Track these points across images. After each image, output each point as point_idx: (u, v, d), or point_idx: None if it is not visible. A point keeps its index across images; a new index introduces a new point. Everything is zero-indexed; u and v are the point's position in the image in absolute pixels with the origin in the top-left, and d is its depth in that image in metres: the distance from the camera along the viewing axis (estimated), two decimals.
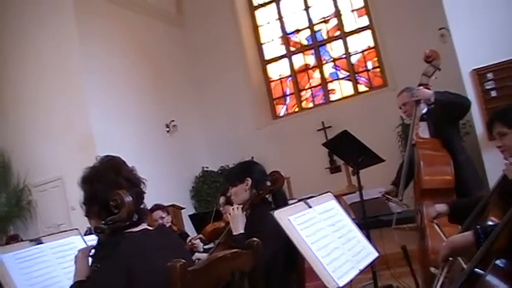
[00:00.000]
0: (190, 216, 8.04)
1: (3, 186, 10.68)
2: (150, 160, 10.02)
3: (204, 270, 1.77)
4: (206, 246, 4.38)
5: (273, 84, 12.46)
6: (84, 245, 3.13)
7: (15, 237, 7.18)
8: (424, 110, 4.51)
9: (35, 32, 10.47)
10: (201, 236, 3.88)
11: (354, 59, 11.58)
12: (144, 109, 10.75)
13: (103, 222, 2.04)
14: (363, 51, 11.48)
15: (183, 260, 1.69)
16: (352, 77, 11.54)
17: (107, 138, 9.64)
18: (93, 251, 2.14)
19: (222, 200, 5.12)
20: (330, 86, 11.83)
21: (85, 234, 3.34)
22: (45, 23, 10.33)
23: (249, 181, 3.28)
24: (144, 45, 11.20)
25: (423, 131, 4.42)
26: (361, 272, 2.47)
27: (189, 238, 4.18)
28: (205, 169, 11.65)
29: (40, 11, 10.32)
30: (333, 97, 11.77)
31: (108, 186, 2.08)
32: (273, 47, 12.45)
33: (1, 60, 11.16)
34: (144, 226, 2.15)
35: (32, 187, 10.66)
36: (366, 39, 11.38)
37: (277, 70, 12.40)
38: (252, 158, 10.68)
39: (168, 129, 11.29)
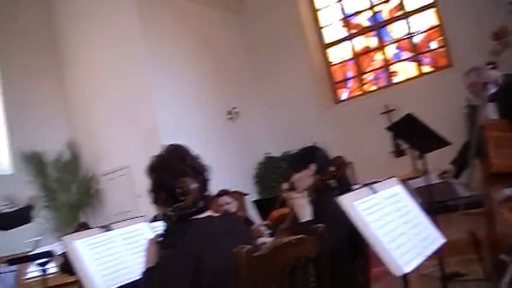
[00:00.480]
0: (254, 202, 8.08)
1: (73, 176, 11.01)
2: (213, 147, 10.13)
3: (270, 256, 1.78)
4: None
5: (334, 68, 12.36)
6: (151, 232, 3.23)
7: (84, 225, 7.36)
8: (493, 90, 4.36)
9: (99, 25, 10.73)
10: (267, 222, 3.89)
11: (416, 39, 11.35)
12: (206, 97, 10.86)
13: (170, 209, 2.09)
14: (426, 31, 11.23)
15: (249, 246, 1.71)
16: (416, 58, 11.32)
17: (171, 127, 9.81)
18: (161, 238, 2.20)
19: (285, 186, 5.10)
20: (393, 67, 11.66)
21: (150, 222, 3.41)
22: (108, 17, 10.57)
23: (313, 167, 3.26)
24: (204, 34, 11.30)
25: (492, 112, 4.28)
26: (428, 258, 2.44)
27: (255, 225, 4.20)
28: (268, 155, 11.68)
29: (103, 5, 10.53)
30: (396, 79, 11.59)
31: (174, 174, 2.13)
32: (333, 30, 12.35)
33: (68, 54, 11.49)
34: (209, 213, 2.19)
35: (100, 176, 10.97)
36: (429, 18, 11.12)
37: (338, 53, 12.30)
38: (315, 143, 10.51)
39: (230, 116, 11.37)
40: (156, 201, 2.24)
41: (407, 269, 2.18)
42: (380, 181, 2.68)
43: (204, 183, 2.20)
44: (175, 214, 2.07)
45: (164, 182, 2.17)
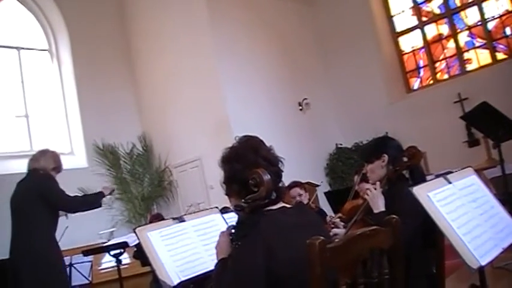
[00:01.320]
0: (325, 193, 8.04)
1: (146, 168, 11.26)
2: (284, 138, 10.13)
3: (343, 248, 1.76)
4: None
5: (405, 56, 12.14)
6: (223, 222, 3.26)
7: (158, 216, 7.51)
8: None
9: (168, 18, 10.90)
10: (340, 214, 3.86)
11: (490, 26, 10.98)
12: (276, 88, 10.86)
13: (243, 200, 2.10)
14: (500, 17, 10.85)
15: (322, 237, 1.70)
16: (490, 45, 10.96)
17: (242, 119, 9.86)
18: (233, 230, 2.22)
19: (356, 177, 5.06)
20: (466, 55, 11.32)
21: (223, 212, 3.44)
22: (177, 9, 10.68)
23: (386, 157, 3.21)
24: (273, 25, 11.29)
25: None
26: (504, 250, 2.37)
27: (329, 217, 4.18)
28: (339, 146, 11.60)
29: None
30: (469, 67, 11.26)
31: (247, 165, 2.13)
32: (404, 19, 12.11)
33: (140, 49, 11.72)
34: (282, 204, 2.19)
35: (172, 168, 11.17)
36: (503, 4, 10.74)
37: (410, 42, 12.05)
38: (386, 133, 10.45)
39: (300, 107, 11.35)
40: (229, 192, 2.25)
41: (484, 261, 2.13)
42: (454, 171, 2.63)
43: (277, 174, 2.19)
44: (248, 205, 2.08)
45: (237, 173, 2.17)
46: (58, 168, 5.13)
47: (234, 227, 2.22)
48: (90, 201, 5.20)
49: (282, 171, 2.25)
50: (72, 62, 11.22)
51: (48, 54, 11.53)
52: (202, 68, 10.39)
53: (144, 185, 11.18)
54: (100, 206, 5.27)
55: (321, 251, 1.67)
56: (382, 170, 3.21)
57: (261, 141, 2.28)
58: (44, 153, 5.10)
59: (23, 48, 11.23)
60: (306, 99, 11.32)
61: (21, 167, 9.77)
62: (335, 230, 3.55)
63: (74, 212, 5.06)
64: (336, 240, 3.28)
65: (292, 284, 1.93)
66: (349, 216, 3.60)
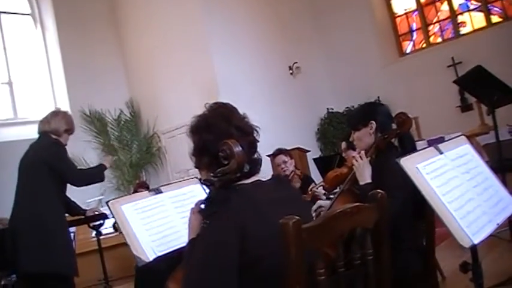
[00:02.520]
0: (314, 159, 7.90)
1: (134, 134, 11.14)
2: (275, 103, 10.00)
3: (321, 228, 1.59)
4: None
5: (398, 19, 11.90)
6: (203, 194, 3.09)
7: (143, 185, 7.38)
8: None
9: None
10: (323, 184, 3.70)
11: None
12: (266, 52, 10.68)
13: (212, 174, 1.92)
14: None
15: (297, 217, 1.52)
16: (484, 8, 10.73)
17: (231, 83, 9.70)
18: (202, 206, 2.04)
19: (344, 145, 4.91)
20: (460, 18, 11.10)
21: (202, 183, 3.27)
22: None
23: (373, 124, 3.03)
24: None
25: None
26: (499, 226, 2.20)
27: (311, 187, 4.03)
28: (330, 110, 11.46)
29: None
30: (463, 30, 11.04)
31: (218, 136, 1.94)
32: None
33: (126, 12, 11.48)
34: (256, 177, 2.00)
35: (161, 134, 11.03)
36: None
37: (402, 4, 11.81)
38: (378, 97, 10.36)
39: (291, 71, 11.17)
40: (199, 165, 2.07)
41: (477, 239, 1.96)
42: (446, 138, 2.46)
43: (251, 145, 2.01)
44: (219, 179, 1.89)
45: (207, 144, 1.99)
46: (70, 130, 4.96)
47: (203, 202, 2.03)
48: (94, 175, 5.05)
49: (258, 141, 2.06)
50: (56, 26, 10.96)
51: (31, 19, 11.22)
52: (191, 32, 10.18)
53: (132, 152, 11.05)
54: (103, 180, 5.13)
55: (296, 231, 1.50)
56: (369, 138, 3.05)
57: (234, 108, 2.09)
58: (55, 114, 4.90)
59: (4, 13, 10.91)
60: (296, 63, 11.14)
61: (6, 135, 9.74)
62: (320, 202, 3.39)
63: (79, 186, 4.90)
64: (321, 211, 3.15)
65: (268, 265, 1.76)
66: (332, 186, 3.46)
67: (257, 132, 2.07)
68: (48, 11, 11.07)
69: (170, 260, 2.82)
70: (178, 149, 10.64)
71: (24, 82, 10.85)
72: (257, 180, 1.98)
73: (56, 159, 4.66)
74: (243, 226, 1.76)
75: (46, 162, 4.62)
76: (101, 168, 5.08)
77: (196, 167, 2.10)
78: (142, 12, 11.10)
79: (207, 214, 1.88)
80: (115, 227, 6.15)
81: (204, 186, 3.16)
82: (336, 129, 11.10)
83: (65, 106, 10.72)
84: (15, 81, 10.70)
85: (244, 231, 1.75)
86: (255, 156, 2.03)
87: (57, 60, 10.96)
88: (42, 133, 4.84)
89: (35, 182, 4.63)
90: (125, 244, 6.80)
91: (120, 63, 11.64)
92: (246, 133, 2.01)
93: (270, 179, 2.06)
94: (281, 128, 9.47)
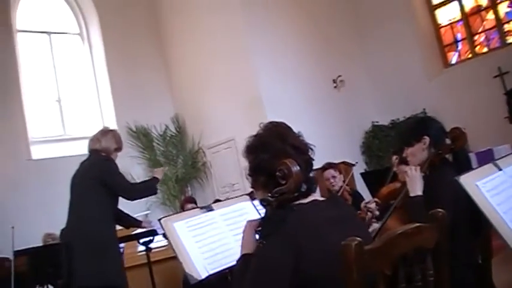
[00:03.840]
0: (362, 174, 7.81)
1: (180, 149, 11.21)
2: (319, 117, 9.97)
3: (383, 249, 1.57)
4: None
5: (442, 30, 11.73)
6: (254, 210, 3.09)
7: (190, 199, 7.41)
8: None
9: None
10: (376, 199, 3.65)
11: None
12: (310, 66, 10.65)
13: (269, 194, 1.91)
14: None
15: (358, 239, 1.51)
16: None
17: (275, 97, 9.72)
18: (259, 225, 2.03)
19: (394, 159, 4.84)
20: (506, 27, 10.89)
21: (254, 199, 3.27)
22: None
23: (427, 139, 2.98)
24: (306, 1, 11.04)
25: None
26: None
27: (364, 203, 3.97)
28: (375, 123, 11.34)
29: None
30: (510, 39, 10.82)
31: (275, 155, 1.94)
32: None
33: (171, 29, 11.66)
34: (313, 197, 1.98)
35: (206, 149, 11.08)
36: None
37: (447, 14, 11.63)
38: (424, 109, 10.23)
39: (335, 84, 11.11)
40: (255, 185, 2.06)
41: None
42: (494, 150, 2.41)
43: (307, 164, 2.01)
44: (276, 200, 1.88)
45: (263, 164, 1.98)
46: (119, 148, 5.13)
47: (260, 221, 2.03)
48: (148, 188, 5.15)
49: (313, 160, 2.06)
50: (103, 45, 11.16)
51: (79, 38, 11.46)
52: (234, 47, 10.24)
53: (177, 167, 11.12)
54: (156, 193, 5.24)
55: (358, 253, 1.49)
56: (423, 154, 3.00)
57: (288, 127, 2.09)
58: (105, 133, 5.03)
59: (54, 33, 11.16)
60: (340, 76, 11.07)
61: (55, 151, 9.93)
62: (374, 226, 3.34)
63: (133, 199, 4.98)
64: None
65: (323, 286, 1.75)
66: (386, 202, 3.41)
67: (312, 150, 2.06)
68: (95, 30, 11.29)
69: (220, 275, 2.84)
70: (223, 163, 10.69)
71: (73, 100, 11.05)
72: (314, 200, 1.97)
73: (109, 174, 4.76)
74: (298, 247, 1.75)
75: (99, 178, 4.71)
76: (153, 181, 5.14)
77: (252, 187, 2.10)
78: (186, 30, 11.21)
79: (264, 234, 1.87)
80: (166, 235, 6.18)
81: (255, 204, 3.17)
82: (381, 142, 10.97)
83: (111, 122, 10.90)
84: (64, 98, 10.91)
85: (299, 251, 1.75)
86: (311, 174, 2.02)
87: (104, 78, 11.15)
88: (93, 151, 4.93)
89: (88, 198, 4.73)
90: (171, 259, 6.88)
91: (165, 80, 11.77)
92: (302, 152, 2.00)
93: (326, 199, 2.04)
94: (325, 142, 9.39)
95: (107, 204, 4.80)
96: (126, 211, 7.86)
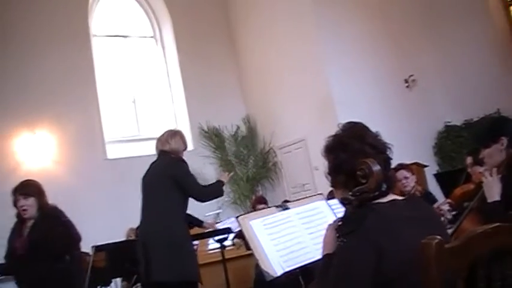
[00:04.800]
0: (435, 175, 7.70)
1: (251, 149, 11.32)
2: (390, 117, 9.86)
3: (462, 248, 1.58)
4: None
5: None
6: (329, 210, 3.12)
7: (261, 199, 7.47)
8: None
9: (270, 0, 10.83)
10: (449, 201, 3.60)
11: None
12: (381, 66, 10.54)
13: (350, 193, 1.95)
14: None
15: (439, 237, 1.53)
16: None
17: (346, 98, 9.68)
18: (340, 223, 2.07)
19: (469, 160, 4.76)
20: None
21: (328, 198, 3.30)
22: None
23: (504, 140, 2.94)
24: (375, 1, 10.94)
25: None
26: None
27: (437, 204, 3.94)
28: (448, 123, 11.10)
29: None
30: None
31: (354, 155, 1.97)
32: None
33: (241, 31, 11.79)
34: (392, 196, 2.01)
35: (276, 149, 11.15)
36: None
37: None
38: (498, 109, 9.96)
39: (407, 84, 10.96)
40: (335, 184, 2.09)
41: None
42: None
43: (386, 163, 2.03)
44: (356, 198, 1.92)
45: (343, 163, 2.01)
46: (186, 148, 5.23)
47: (340, 220, 2.06)
48: (216, 191, 5.22)
49: (391, 159, 2.08)
50: (176, 47, 11.42)
51: (153, 41, 11.75)
52: (305, 48, 10.26)
53: (248, 167, 11.24)
54: (222, 195, 5.31)
55: (438, 252, 1.51)
56: (500, 155, 2.96)
57: (366, 127, 2.11)
58: (173, 135, 5.14)
59: (128, 36, 11.51)
60: (412, 75, 10.92)
61: (131, 151, 10.21)
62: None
63: (203, 201, 5.09)
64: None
65: (403, 285, 1.77)
66: (459, 203, 3.38)
67: (390, 149, 2.08)
68: (168, 32, 11.56)
69: (291, 274, 2.88)
70: (294, 164, 10.74)
71: (147, 101, 11.35)
72: (393, 199, 2.00)
73: (183, 175, 4.87)
74: (379, 245, 1.78)
75: (173, 177, 4.82)
76: (219, 184, 5.23)
77: (332, 186, 2.13)
78: (257, 30, 11.32)
79: (344, 232, 1.91)
80: (234, 243, 6.31)
81: (330, 203, 3.20)
82: (454, 143, 10.73)
83: (184, 123, 11.14)
84: (139, 100, 11.21)
85: (380, 250, 1.77)
86: (389, 173, 2.04)
87: (177, 79, 11.40)
88: (162, 152, 5.05)
89: (162, 197, 4.84)
90: (243, 257, 6.99)
91: (236, 81, 11.92)
92: (380, 151, 2.03)
93: (405, 199, 2.06)
94: (397, 142, 9.12)
95: (181, 203, 4.91)
96: (199, 209, 8.04)
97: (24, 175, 5.35)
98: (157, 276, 4.67)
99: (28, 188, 4.81)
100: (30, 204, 4.72)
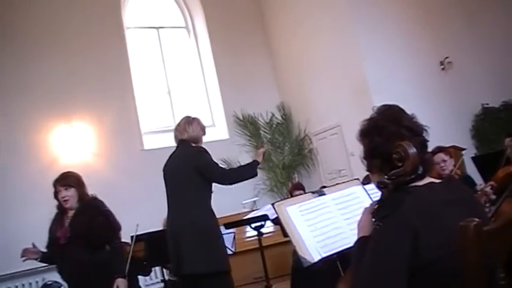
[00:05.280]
0: (473, 158, 7.55)
1: (286, 137, 11.31)
2: (426, 100, 9.72)
3: (502, 231, 1.55)
4: None
5: None
6: (365, 195, 3.09)
7: (298, 186, 7.44)
8: None
9: None
10: (492, 183, 3.53)
11: None
12: (416, 49, 10.34)
13: (386, 176, 1.93)
14: None
15: (477, 219, 1.50)
16: None
17: (381, 82, 9.56)
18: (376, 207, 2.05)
19: (508, 142, 4.68)
20: None
21: (364, 183, 3.27)
22: None
23: None
24: None
25: None
26: None
27: (479, 186, 3.87)
28: (485, 106, 10.90)
29: None
30: None
31: (389, 138, 1.95)
32: None
33: (274, 17, 11.75)
34: (429, 179, 1.98)
35: (312, 136, 11.11)
36: None
37: None
38: None
39: (442, 66, 10.78)
40: (370, 168, 2.08)
41: None
42: None
43: (422, 145, 2.00)
44: (392, 182, 1.90)
45: (378, 147, 1.99)
46: (204, 134, 5.18)
47: (376, 203, 2.04)
48: (245, 172, 5.11)
49: (428, 141, 2.05)
50: (208, 36, 11.42)
51: (185, 31, 11.79)
52: (339, 32, 10.15)
53: (284, 154, 11.23)
54: (256, 175, 5.17)
55: (477, 234, 1.48)
56: None
57: (402, 109, 2.09)
58: (190, 122, 5.09)
59: (161, 28, 11.56)
60: (447, 57, 10.72)
61: (166, 141, 10.28)
62: None
63: (229, 184, 5.05)
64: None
65: (440, 270, 1.74)
66: (502, 185, 3.31)
67: (426, 131, 2.05)
68: (200, 22, 11.57)
69: (328, 261, 2.87)
70: (330, 150, 10.68)
71: (182, 91, 11.40)
72: (430, 182, 1.97)
73: (206, 164, 4.82)
74: (415, 229, 1.76)
75: (196, 168, 4.77)
76: (253, 163, 5.12)
77: (367, 170, 2.11)
78: (290, 16, 11.25)
79: (380, 216, 1.89)
80: (275, 222, 6.29)
81: (366, 188, 3.18)
82: (492, 125, 10.52)
83: (219, 112, 11.19)
84: (173, 90, 11.27)
85: (416, 234, 1.75)
86: (426, 156, 2.01)
87: (210, 69, 11.41)
88: (181, 141, 5.02)
89: (187, 189, 4.82)
90: (280, 244, 7.01)
91: (270, 68, 11.89)
92: (416, 133, 2.00)
93: (442, 181, 2.03)
94: (434, 125, 8.93)
95: (206, 192, 4.89)
96: (236, 197, 8.11)
97: (63, 168, 5.45)
98: (188, 269, 4.70)
99: (68, 179, 4.88)
100: (71, 194, 4.80)
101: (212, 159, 4.91)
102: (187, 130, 5.00)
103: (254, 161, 5.17)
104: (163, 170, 5.11)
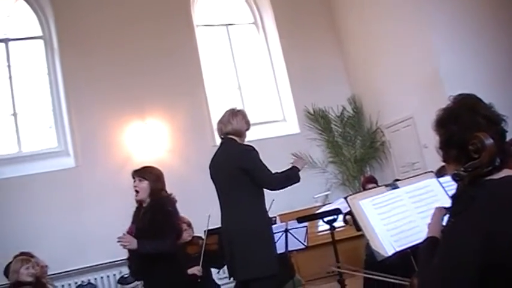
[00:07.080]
0: None
1: (357, 130, 11.20)
2: (503, 90, 9.33)
3: None
4: None
5: None
6: (439, 188, 3.02)
7: (371, 179, 7.36)
8: None
9: None
10: None
11: None
12: (492, 37, 9.72)
13: (462, 168, 1.87)
14: None
15: None
16: None
17: (454, 73, 9.26)
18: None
19: None
20: None
21: (437, 175, 3.18)
22: None
23: None
24: None
25: None
26: None
27: None
28: None
29: None
30: None
31: (466, 127, 1.89)
32: None
33: (344, 12, 11.70)
34: (507, 172, 1.90)
35: (384, 128, 10.95)
36: None
37: None
38: None
39: None
40: (446, 159, 2.02)
41: None
42: None
43: (500, 135, 1.93)
44: (468, 174, 1.84)
45: (454, 136, 1.94)
46: (249, 128, 5.14)
47: (452, 198, 1.98)
48: (290, 178, 5.04)
49: (506, 131, 1.97)
50: (277, 32, 11.42)
51: (255, 27, 11.83)
52: (411, 21, 9.86)
53: (356, 147, 11.12)
54: (299, 181, 5.13)
55: None
56: None
57: (479, 98, 2.02)
58: (234, 114, 5.08)
59: (230, 24, 11.66)
60: None
61: None
62: None
63: (276, 189, 5.01)
64: None
65: None
66: None
67: (505, 121, 1.98)
68: (269, 18, 11.58)
69: (402, 255, 2.82)
70: (402, 143, 10.50)
71: (252, 86, 11.46)
72: (507, 176, 1.89)
73: (253, 167, 4.78)
74: (487, 228, 1.70)
75: (241, 169, 4.76)
76: (294, 170, 5.06)
77: (443, 161, 2.06)
78: (359, 8, 11.10)
79: (453, 212, 1.84)
80: (346, 220, 6.24)
81: (441, 181, 3.10)
82: None
83: (289, 106, 11.18)
84: (244, 86, 11.35)
85: (488, 233, 1.70)
86: (505, 147, 1.94)
87: (280, 64, 11.42)
88: (226, 137, 5.00)
89: (237, 191, 4.83)
90: (352, 239, 6.94)
91: (340, 61, 11.77)
92: (494, 122, 1.94)
93: None
94: (511, 115, 8.75)
95: (256, 193, 4.87)
96: (308, 191, 8.05)
97: (136, 166, 5.58)
98: (240, 275, 4.74)
99: (145, 172, 4.98)
100: (143, 187, 4.88)
101: (260, 161, 4.85)
102: (231, 122, 4.98)
103: (294, 167, 5.08)
104: (210, 168, 5.11)
